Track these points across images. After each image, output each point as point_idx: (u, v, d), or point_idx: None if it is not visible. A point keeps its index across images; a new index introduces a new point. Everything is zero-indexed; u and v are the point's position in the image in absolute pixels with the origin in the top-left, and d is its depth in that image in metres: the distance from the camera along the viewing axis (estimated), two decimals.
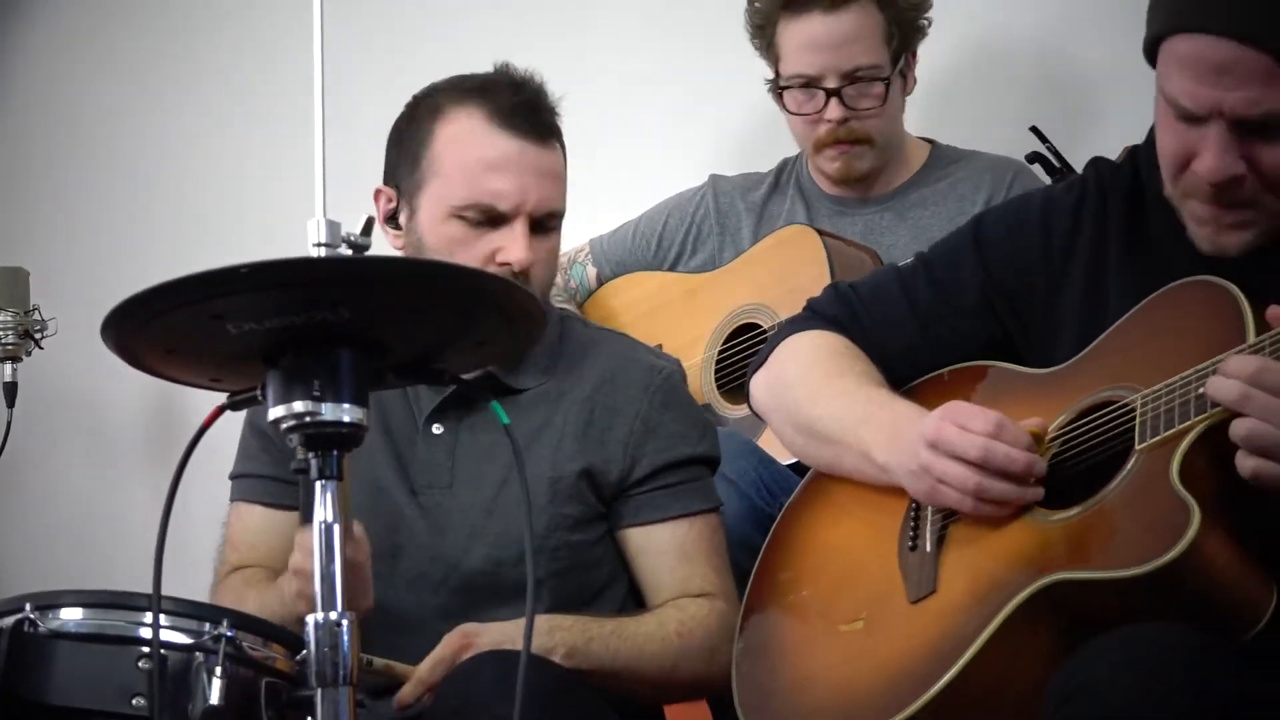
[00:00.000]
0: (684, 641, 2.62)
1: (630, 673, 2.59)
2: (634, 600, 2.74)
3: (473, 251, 2.64)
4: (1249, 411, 1.99)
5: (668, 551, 2.70)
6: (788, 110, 3.46)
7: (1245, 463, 2.01)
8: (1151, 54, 2.26)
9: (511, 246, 2.63)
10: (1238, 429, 2.01)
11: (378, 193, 2.77)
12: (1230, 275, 2.19)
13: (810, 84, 3.41)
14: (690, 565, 2.70)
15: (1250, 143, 2.17)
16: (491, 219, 2.65)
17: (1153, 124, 2.32)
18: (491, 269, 2.60)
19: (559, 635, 2.54)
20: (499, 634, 2.48)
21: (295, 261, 1.87)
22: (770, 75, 3.53)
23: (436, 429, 2.71)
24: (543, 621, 2.53)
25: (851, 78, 3.40)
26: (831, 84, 3.40)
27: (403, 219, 2.73)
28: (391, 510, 2.68)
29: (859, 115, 3.42)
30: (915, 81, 3.54)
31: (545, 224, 2.68)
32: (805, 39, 3.40)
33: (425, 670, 2.47)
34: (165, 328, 1.86)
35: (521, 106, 2.68)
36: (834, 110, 3.41)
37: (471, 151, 2.66)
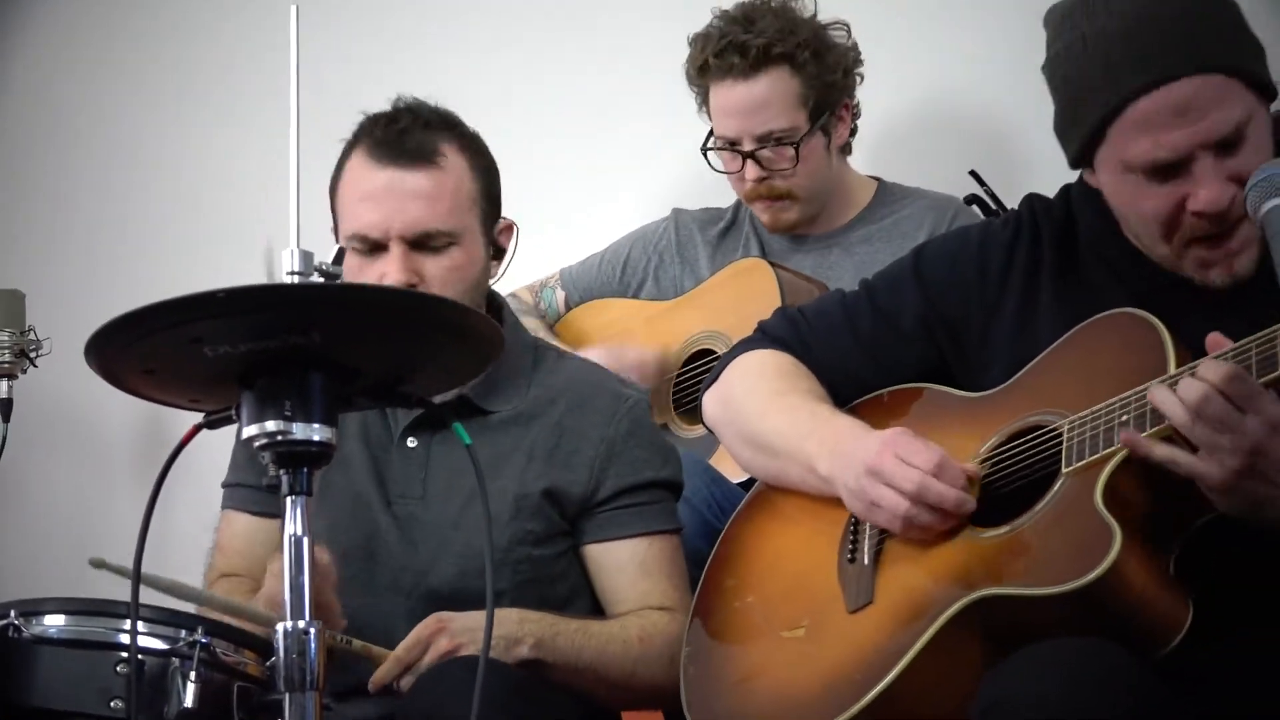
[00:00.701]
0: (645, 647, 2.60)
1: (592, 671, 2.57)
2: (597, 615, 2.70)
3: (365, 278, 2.63)
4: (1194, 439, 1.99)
5: (628, 568, 2.69)
6: (712, 168, 3.47)
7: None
8: (1090, 153, 2.25)
9: (389, 269, 2.62)
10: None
11: (334, 230, 2.78)
12: (1161, 308, 2.19)
13: (730, 145, 3.42)
14: (651, 581, 2.68)
15: (1226, 163, 2.15)
16: (372, 246, 2.64)
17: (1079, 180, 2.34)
18: None
19: (528, 626, 2.52)
20: (470, 620, 2.46)
21: (269, 287, 1.88)
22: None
23: (411, 443, 2.70)
24: (513, 613, 2.52)
25: (765, 140, 3.39)
26: (747, 146, 3.40)
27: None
28: (368, 519, 2.67)
29: (776, 175, 3.41)
30: (852, 129, 3.54)
31: (428, 243, 2.64)
32: (723, 103, 3.41)
33: (401, 651, 2.45)
34: (145, 350, 1.84)
35: (390, 137, 2.67)
36: (751, 170, 3.41)
37: (351, 188, 2.68)
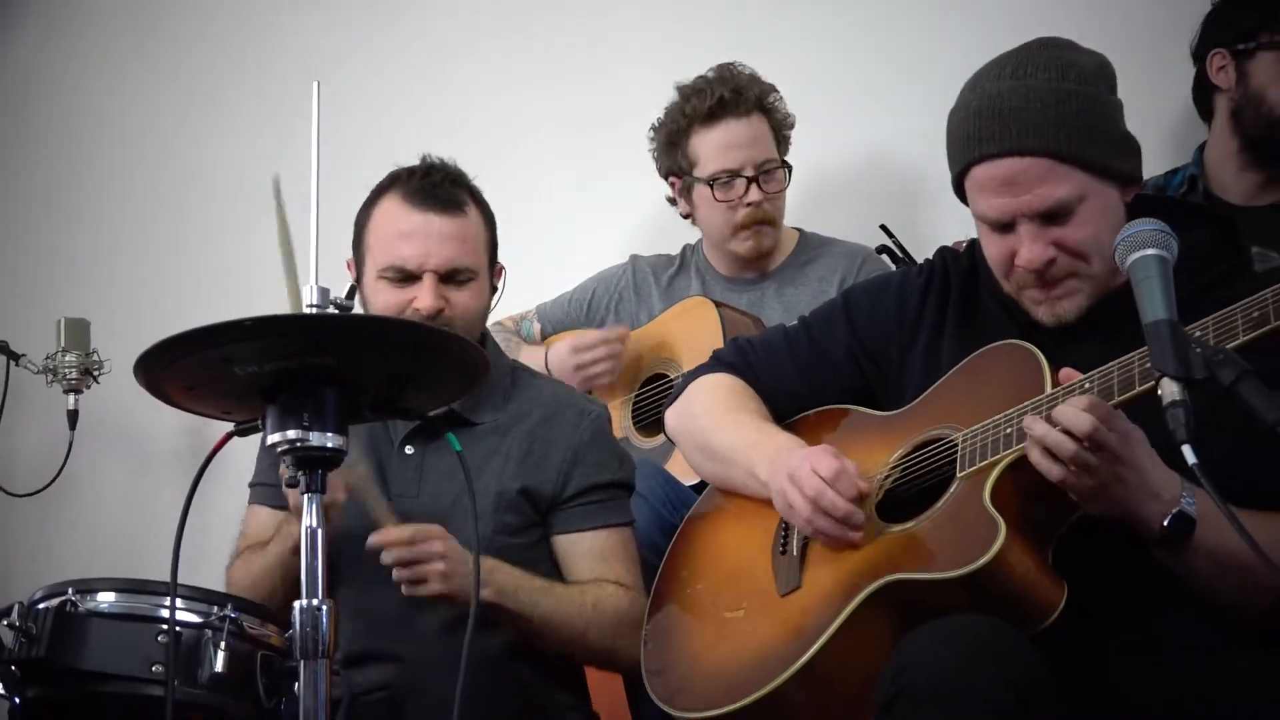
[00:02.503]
0: (596, 612, 2.61)
1: (547, 625, 2.57)
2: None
3: (392, 303, 2.67)
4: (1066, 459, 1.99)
5: (589, 554, 2.70)
6: (715, 199, 3.43)
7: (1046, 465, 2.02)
8: (960, 191, 2.28)
9: (421, 296, 2.65)
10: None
11: (348, 263, 2.81)
12: (1047, 341, 2.20)
13: (734, 175, 3.41)
14: (607, 564, 2.69)
15: (1051, 230, 2.18)
16: (405, 276, 2.67)
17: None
18: (408, 315, 2.64)
19: (496, 575, 2.52)
20: (460, 549, 2.47)
21: (288, 317, 1.90)
22: (669, 184, 3.54)
23: (408, 450, 2.71)
24: (489, 562, 2.52)
25: (762, 168, 3.41)
26: (750, 173, 3.40)
27: (360, 283, 2.77)
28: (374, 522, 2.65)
29: (769, 198, 3.43)
30: None
31: (454, 277, 2.68)
32: (728, 139, 3.40)
33: (404, 531, 2.46)
34: (184, 369, 1.86)
35: (425, 187, 2.70)
36: (754, 194, 3.41)
37: (388, 226, 2.70)
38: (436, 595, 2.45)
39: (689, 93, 3.44)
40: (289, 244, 2.06)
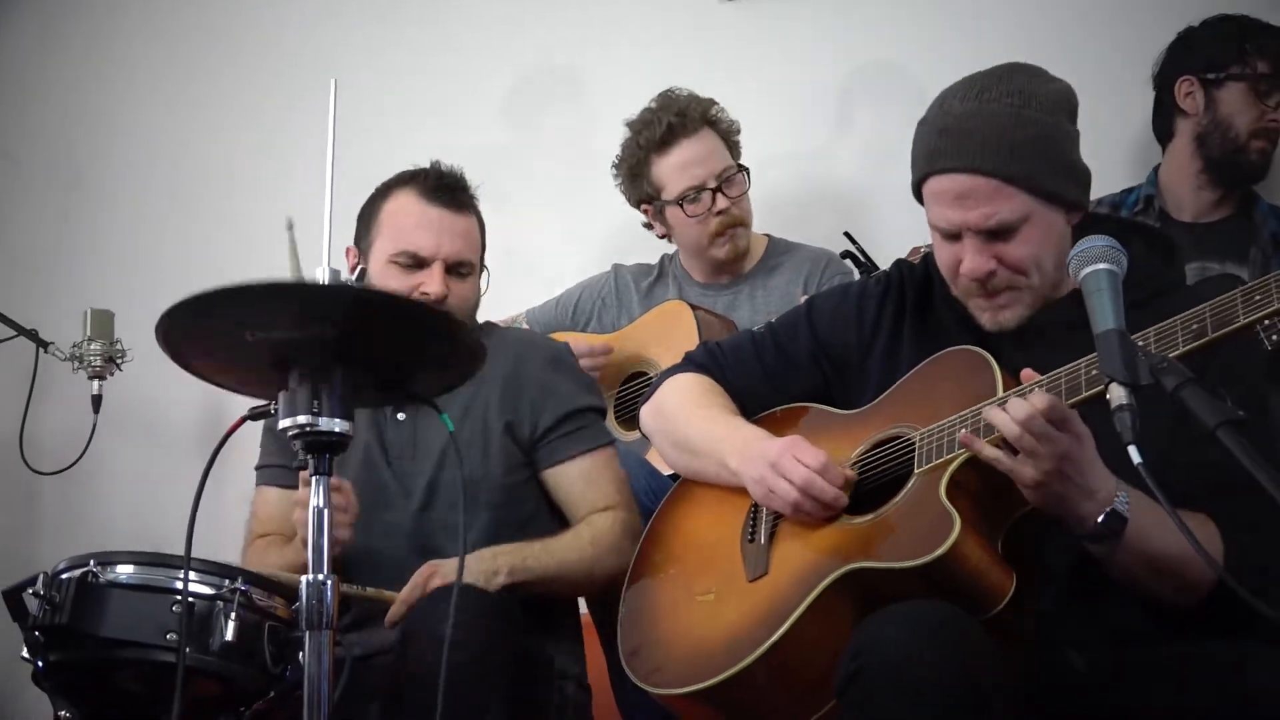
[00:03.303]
0: (596, 549, 2.64)
1: (559, 579, 2.60)
2: (557, 522, 2.75)
3: (402, 285, 2.70)
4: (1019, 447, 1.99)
5: (576, 481, 2.74)
6: (687, 215, 3.42)
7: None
8: (918, 195, 2.29)
9: (429, 282, 2.69)
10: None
11: (348, 250, 2.83)
12: (995, 346, 2.20)
13: (699, 190, 3.40)
14: (595, 487, 2.73)
15: (994, 245, 2.19)
16: (416, 263, 2.71)
17: None
18: (414, 298, 2.63)
19: (501, 559, 2.54)
20: (454, 566, 2.42)
21: (295, 284, 1.90)
22: (642, 212, 3.54)
23: (400, 416, 2.75)
24: (488, 551, 2.55)
25: (722, 177, 3.40)
26: (713, 184, 3.40)
27: (362, 272, 2.78)
28: (375, 474, 2.71)
29: (735, 202, 3.42)
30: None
31: (458, 270, 2.74)
32: (687, 157, 3.40)
33: (405, 593, 2.46)
34: (201, 331, 1.84)
35: (440, 187, 2.75)
36: (721, 201, 3.41)
37: (405, 217, 2.74)
38: None
39: (639, 126, 3.45)
40: (299, 273, 2.05)
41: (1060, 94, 2.22)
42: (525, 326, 3.67)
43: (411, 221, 2.71)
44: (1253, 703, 1.90)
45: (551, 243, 4.09)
